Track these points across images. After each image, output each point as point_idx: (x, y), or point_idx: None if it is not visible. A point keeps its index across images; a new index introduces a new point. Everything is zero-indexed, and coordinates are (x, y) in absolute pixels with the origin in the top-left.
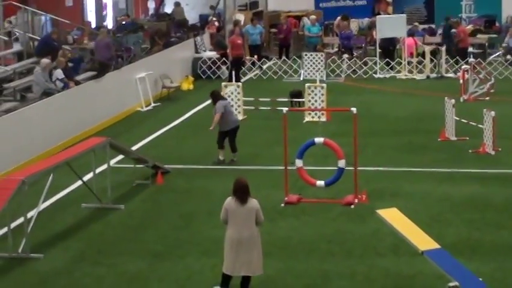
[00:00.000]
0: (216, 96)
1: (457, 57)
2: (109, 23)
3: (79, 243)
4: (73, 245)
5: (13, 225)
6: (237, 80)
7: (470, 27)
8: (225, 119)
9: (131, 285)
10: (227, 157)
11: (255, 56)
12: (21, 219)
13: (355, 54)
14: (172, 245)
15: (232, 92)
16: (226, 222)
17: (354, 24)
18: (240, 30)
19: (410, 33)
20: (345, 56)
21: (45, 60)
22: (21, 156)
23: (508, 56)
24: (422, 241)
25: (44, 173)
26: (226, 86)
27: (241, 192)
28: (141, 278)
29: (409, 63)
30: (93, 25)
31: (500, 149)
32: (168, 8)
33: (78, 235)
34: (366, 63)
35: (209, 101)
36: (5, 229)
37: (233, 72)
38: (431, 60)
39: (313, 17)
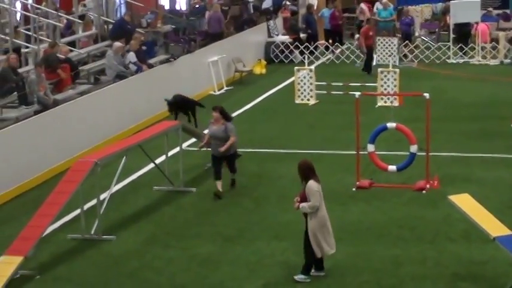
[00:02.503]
0: (227, 115)
1: None
2: (182, 7)
3: (150, 226)
4: (145, 228)
5: (86, 207)
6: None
7: None
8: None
9: (202, 268)
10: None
11: (330, 41)
12: (94, 201)
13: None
14: (243, 229)
15: (304, 76)
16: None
17: (428, 9)
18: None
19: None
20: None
21: (117, 44)
22: (95, 139)
23: None
24: (494, 227)
25: (116, 155)
26: (298, 70)
27: (314, 172)
28: (211, 261)
29: (482, 48)
30: (167, 8)
31: None
32: None
33: (150, 218)
34: (439, 48)
35: (282, 85)
36: (78, 211)
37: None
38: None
39: (385, 1)
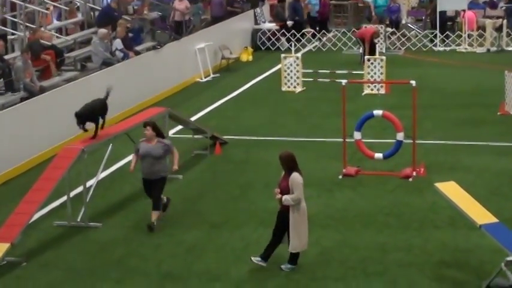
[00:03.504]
0: (160, 131)
1: None
2: None
3: (137, 213)
4: (131, 215)
5: (72, 194)
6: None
7: None
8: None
9: (188, 254)
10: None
11: (317, 28)
12: (80, 188)
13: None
14: (229, 216)
15: (291, 63)
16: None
17: None
18: None
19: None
20: (384, 28)
21: (103, 30)
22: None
23: None
24: (480, 215)
25: (103, 142)
26: (285, 58)
27: (297, 163)
28: (198, 247)
29: (469, 36)
30: None
31: None
32: None
33: (136, 205)
34: (426, 36)
35: (268, 72)
36: (65, 198)
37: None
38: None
39: None
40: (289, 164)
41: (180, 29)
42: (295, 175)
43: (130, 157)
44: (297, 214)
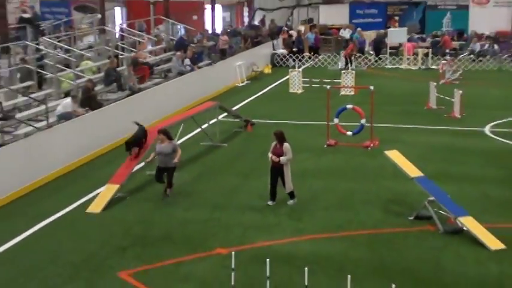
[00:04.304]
0: (169, 134)
1: (439, 55)
2: (219, 30)
3: (199, 166)
4: (195, 168)
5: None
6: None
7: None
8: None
9: (228, 195)
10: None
11: (312, 53)
12: None
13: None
14: (255, 169)
15: (295, 75)
16: None
17: (373, 33)
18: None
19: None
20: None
21: (179, 53)
22: (163, 112)
23: (471, 56)
24: (412, 171)
25: (177, 123)
26: (291, 71)
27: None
28: (234, 190)
29: (408, 59)
30: (210, 32)
31: (464, 114)
32: (257, 20)
33: (198, 162)
34: (380, 59)
35: (281, 80)
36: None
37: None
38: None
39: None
40: (282, 137)
41: (224, 53)
42: (286, 144)
43: (194, 132)
44: (287, 168)
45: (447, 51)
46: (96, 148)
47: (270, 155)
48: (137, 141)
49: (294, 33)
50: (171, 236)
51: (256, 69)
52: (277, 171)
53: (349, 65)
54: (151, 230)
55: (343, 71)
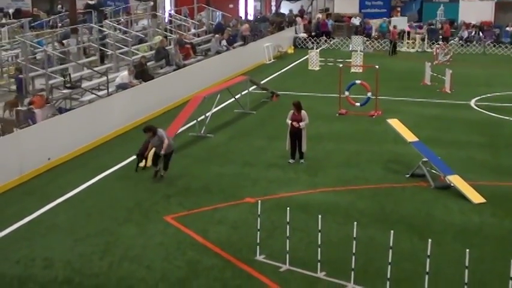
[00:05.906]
0: (153, 128)
1: (434, 40)
2: (250, 17)
3: (232, 130)
4: (233, 131)
5: (199, 119)
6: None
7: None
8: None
9: (255, 154)
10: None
11: (328, 37)
12: (202, 117)
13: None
14: (280, 131)
15: (313, 55)
16: None
17: (379, 21)
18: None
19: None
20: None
21: (217, 35)
22: (203, 84)
23: (460, 41)
24: (409, 136)
25: (214, 93)
26: (310, 52)
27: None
28: (262, 149)
29: (408, 43)
30: (243, 17)
31: (453, 90)
32: (283, 9)
33: (232, 126)
34: (384, 42)
35: (302, 59)
36: (194, 121)
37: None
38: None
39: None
40: (300, 106)
41: (245, 40)
42: (304, 112)
43: (228, 101)
44: (305, 132)
45: (440, 37)
46: (148, 113)
47: (288, 121)
48: (144, 149)
49: (314, 19)
50: (208, 187)
51: (281, 49)
52: (295, 134)
53: (395, 48)
54: (191, 182)
55: (353, 53)
